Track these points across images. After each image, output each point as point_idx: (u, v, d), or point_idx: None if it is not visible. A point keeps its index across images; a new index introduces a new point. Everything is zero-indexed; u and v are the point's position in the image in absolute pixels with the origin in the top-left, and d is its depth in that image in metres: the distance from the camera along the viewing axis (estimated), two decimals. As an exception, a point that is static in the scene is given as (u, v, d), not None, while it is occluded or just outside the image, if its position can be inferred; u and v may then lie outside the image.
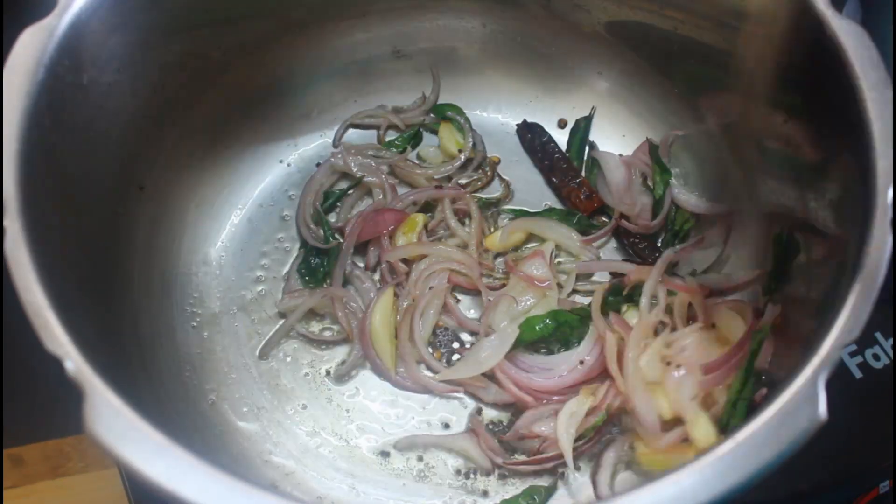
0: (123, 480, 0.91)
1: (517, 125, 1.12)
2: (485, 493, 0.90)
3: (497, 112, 1.13)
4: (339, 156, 1.06)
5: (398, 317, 0.97)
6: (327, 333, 0.99)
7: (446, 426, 0.94)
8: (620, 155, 1.07)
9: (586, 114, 1.11)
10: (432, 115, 1.13)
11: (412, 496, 0.90)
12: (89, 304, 0.77)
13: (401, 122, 1.11)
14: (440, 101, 1.13)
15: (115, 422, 0.59)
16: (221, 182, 1.05)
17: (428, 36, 1.09)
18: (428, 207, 1.06)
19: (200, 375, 0.95)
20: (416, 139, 1.12)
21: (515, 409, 0.94)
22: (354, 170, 1.06)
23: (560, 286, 0.99)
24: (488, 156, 1.11)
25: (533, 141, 1.10)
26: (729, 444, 0.59)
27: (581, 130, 1.11)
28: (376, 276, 1.02)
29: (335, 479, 0.91)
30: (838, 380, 0.65)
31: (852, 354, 0.97)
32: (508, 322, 0.95)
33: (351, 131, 1.12)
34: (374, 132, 1.12)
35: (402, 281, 0.99)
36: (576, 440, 0.88)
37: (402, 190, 1.07)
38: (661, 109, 1.06)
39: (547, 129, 1.11)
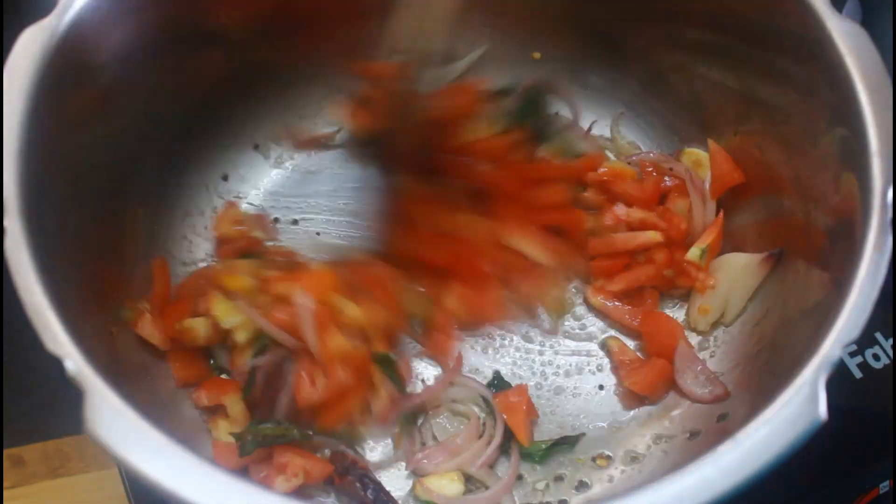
0: (123, 480, 0.91)
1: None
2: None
3: (497, 112, 1.13)
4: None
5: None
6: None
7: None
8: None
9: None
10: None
11: None
12: (89, 304, 0.77)
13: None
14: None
15: (115, 422, 0.59)
16: (221, 182, 1.05)
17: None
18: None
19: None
20: None
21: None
22: None
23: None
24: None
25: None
26: (729, 444, 0.60)
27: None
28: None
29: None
30: (838, 380, 0.65)
31: (852, 354, 0.97)
32: None
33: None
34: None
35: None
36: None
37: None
38: (661, 109, 1.06)
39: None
